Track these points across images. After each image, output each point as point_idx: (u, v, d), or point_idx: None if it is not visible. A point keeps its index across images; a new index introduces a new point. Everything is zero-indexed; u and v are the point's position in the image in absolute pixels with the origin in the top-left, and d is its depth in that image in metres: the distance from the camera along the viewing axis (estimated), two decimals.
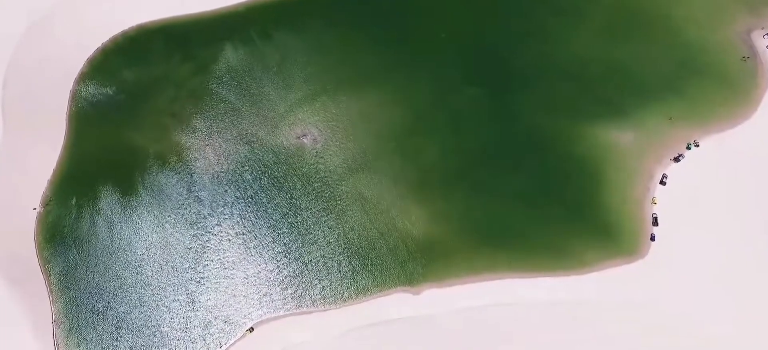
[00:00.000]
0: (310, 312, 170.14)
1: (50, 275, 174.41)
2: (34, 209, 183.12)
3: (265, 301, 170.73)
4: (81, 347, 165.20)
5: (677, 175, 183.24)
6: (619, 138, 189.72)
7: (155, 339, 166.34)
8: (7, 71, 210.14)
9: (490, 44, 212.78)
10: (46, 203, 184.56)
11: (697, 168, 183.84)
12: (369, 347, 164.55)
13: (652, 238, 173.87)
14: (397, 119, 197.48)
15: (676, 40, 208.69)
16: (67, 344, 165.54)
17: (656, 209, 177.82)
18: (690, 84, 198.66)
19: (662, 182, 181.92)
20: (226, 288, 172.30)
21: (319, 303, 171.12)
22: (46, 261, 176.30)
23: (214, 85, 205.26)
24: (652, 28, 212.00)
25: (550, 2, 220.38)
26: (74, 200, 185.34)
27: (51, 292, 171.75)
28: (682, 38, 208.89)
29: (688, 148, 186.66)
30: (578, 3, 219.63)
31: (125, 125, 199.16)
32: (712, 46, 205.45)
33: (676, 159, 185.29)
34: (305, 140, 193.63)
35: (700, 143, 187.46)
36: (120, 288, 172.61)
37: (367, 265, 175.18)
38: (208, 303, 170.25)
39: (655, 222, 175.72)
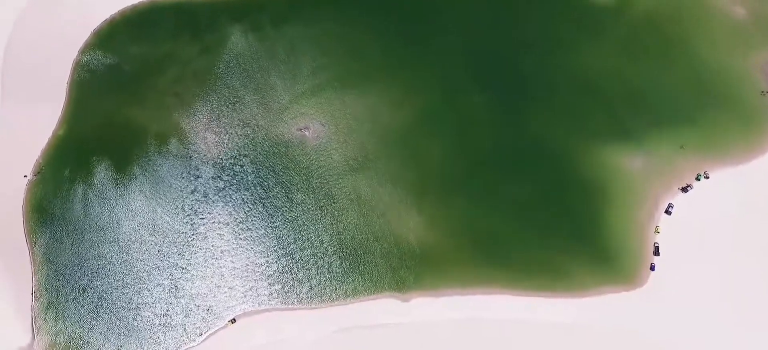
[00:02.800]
0: (296, 309, 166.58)
1: (35, 245, 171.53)
2: (25, 176, 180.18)
3: (251, 294, 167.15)
4: (58, 322, 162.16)
5: (684, 206, 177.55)
6: (627, 161, 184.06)
7: (135, 323, 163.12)
8: (12, 34, 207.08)
9: (504, 51, 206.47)
10: (38, 171, 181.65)
11: (704, 201, 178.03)
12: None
13: (652, 268, 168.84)
14: (402, 119, 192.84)
15: (695, 67, 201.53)
16: (44, 317, 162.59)
17: (659, 239, 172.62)
18: (705, 113, 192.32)
19: (667, 212, 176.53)
20: (212, 277, 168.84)
21: (305, 301, 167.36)
22: (31, 231, 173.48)
23: (220, 69, 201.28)
24: (673, 51, 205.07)
25: (571, 15, 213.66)
26: (67, 171, 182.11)
27: (33, 263, 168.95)
28: (701, 65, 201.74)
29: (698, 179, 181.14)
30: (600, 18, 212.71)
31: (126, 100, 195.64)
32: (731, 77, 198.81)
33: (684, 189, 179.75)
34: (307, 133, 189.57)
35: (711, 175, 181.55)
36: (104, 266, 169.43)
37: (359, 268, 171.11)
38: (192, 291, 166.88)
39: (656, 252, 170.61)
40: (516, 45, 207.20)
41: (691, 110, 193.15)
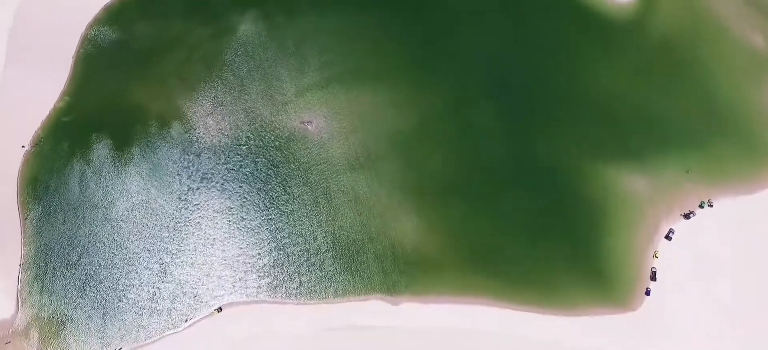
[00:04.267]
0: (283, 304, 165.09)
1: (27, 216, 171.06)
2: (23, 146, 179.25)
3: (240, 285, 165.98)
4: (44, 296, 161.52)
5: (685, 232, 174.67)
6: (631, 182, 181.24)
7: (120, 304, 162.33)
8: (21, 3, 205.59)
9: (516, 61, 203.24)
10: (36, 143, 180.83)
11: (706, 229, 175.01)
12: (336, 349, 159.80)
13: (647, 293, 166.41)
14: (407, 121, 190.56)
15: (708, 92, 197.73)
16: (30, 290, 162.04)
17: (656, 264, 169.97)
18: (714, 141, 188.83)
19: (668, 237, 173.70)
20: (202, 265, 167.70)
21: (294, 296, 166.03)
22: (24, 202, 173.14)
23: (228, 56, 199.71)
24: (687, 75, 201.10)
25: (588, 32, 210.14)
26: (66, 145, 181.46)
27: (24, 234, 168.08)
28: (715, 91, 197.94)
29: (701, 206, 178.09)
30: (617, 37, 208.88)
31: (131, 78, 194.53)
32: (744, 106, 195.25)
33: (687, 216, 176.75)
34: (310, 127, 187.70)
35: (715, 204, 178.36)
36: (94, 244, 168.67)
37: (351, 267, 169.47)
38: (181, 277, 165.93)
39: (653, 277, 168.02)
40: (528, 56, 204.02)
41: (700, 135, 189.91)
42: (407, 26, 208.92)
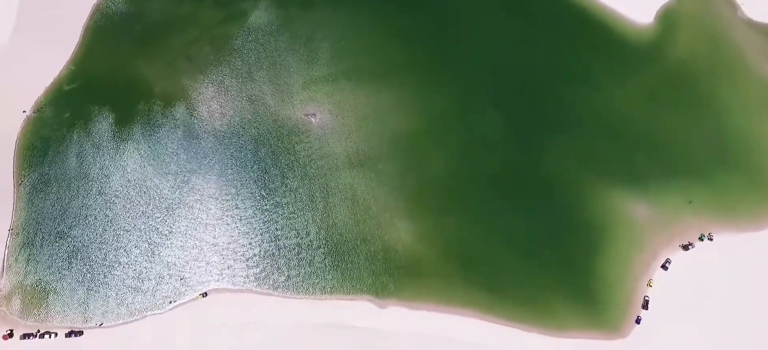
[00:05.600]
0: (270, 295, 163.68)
1: (21, 182, 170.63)
2: (24, 112, 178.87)
3: (228, 273, 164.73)
4: (30, 263, 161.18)
5: (682, 263, 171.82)
6: (633, 207, 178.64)
7: (105, 279, 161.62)
8: None
9: (528, 74, 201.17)
10: (38, 109, 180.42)
11: (704, 263, 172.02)
12: (317, 346, 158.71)
13: (638, 321, 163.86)
14: (411, 123, 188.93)
15: (720, 126, 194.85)
16: (17, 257, 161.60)
17: (650, 292, 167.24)
18: (721, 174, 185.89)
19: (664, 267, 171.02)
20: (191, 248, 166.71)
21: (281, 289, 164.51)
22: (21, 167, 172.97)
23: (238, 40, 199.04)
24: (700, 106, 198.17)
25: (606, 52, 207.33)
26: (67, 115, 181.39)
27: (16, 199, 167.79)
28: (727, 126, 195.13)
29: (701, 239, 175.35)
30: (634, 60, 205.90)
31: (139, 54, 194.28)
32: (755, 143, 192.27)
33: (686, 247, 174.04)
34: (313, 120, 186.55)
35: (715, 238, 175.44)
36: (85, 217, 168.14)
37: (341, 266, 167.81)
38: (169, 259, 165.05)
39: (645, 305, 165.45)
40: (539, 68, 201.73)
41: (707, 166, 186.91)
42: (420, 29, 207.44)
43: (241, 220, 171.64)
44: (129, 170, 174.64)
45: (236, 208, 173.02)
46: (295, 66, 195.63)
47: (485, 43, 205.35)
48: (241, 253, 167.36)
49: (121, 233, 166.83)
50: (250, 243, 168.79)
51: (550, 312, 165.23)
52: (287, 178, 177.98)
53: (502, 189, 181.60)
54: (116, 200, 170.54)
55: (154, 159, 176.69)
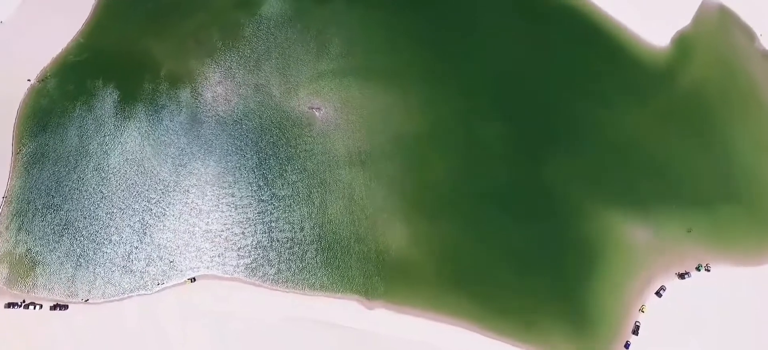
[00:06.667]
0: (258, 287, 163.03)
1: (20, 151, 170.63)
2: (29, 80, 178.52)
3: (218, 260, 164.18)
4: (21, 232, 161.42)
5: (676, 292, 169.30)
6: (632, 230, 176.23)
7: (95, 256, 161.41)
8: None
9: (537, 87, 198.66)
10: (43, 79, 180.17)
11: (699, 293, 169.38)
12: (300, 341, 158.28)
13: (627, 346, 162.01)
14: (416, 127, 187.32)
15: (727, 157, 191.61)
16: (8, 225, 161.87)
17: (642, 318, 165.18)
18: (723, 205, 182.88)
19: (658, 293, 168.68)
20: (184, 233, 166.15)
21: (270, 281, 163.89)
22: (20, 136, 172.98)
23: (248, 28, 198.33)
24: (709, 135, 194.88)
25: (620, 72, 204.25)
26: (71, 87, 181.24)
27: (13, 167, 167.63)
28: (734, 157, 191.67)
29: (698, 269, 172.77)
30: (647, 83, 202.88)
31: (148, 32, 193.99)
32: (760, 178, 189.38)
33: (682, 276, 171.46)
34: (318, 114, 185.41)
35: (712, 269, 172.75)
36: (80, 191, 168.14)
37: (332, 264, 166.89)
38: (160, 241, 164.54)
39: (636, 331, 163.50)
40: (549, 83, 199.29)
41: (710, 197, 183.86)
42: (433, 34, 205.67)
43: (236, 208, 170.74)
44: (128, 149, 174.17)
45: (232, 196, 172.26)
46: (304, 58, 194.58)
47: (497, 53, 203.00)
48: (233, 242, 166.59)
49: (115, 211, 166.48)
50: (243, 233, 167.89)
51: (539, 329, 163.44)
52: (286, 170, 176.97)
53: (502, 200, 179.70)
54: (112, 178, 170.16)
55: (154, 140, 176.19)
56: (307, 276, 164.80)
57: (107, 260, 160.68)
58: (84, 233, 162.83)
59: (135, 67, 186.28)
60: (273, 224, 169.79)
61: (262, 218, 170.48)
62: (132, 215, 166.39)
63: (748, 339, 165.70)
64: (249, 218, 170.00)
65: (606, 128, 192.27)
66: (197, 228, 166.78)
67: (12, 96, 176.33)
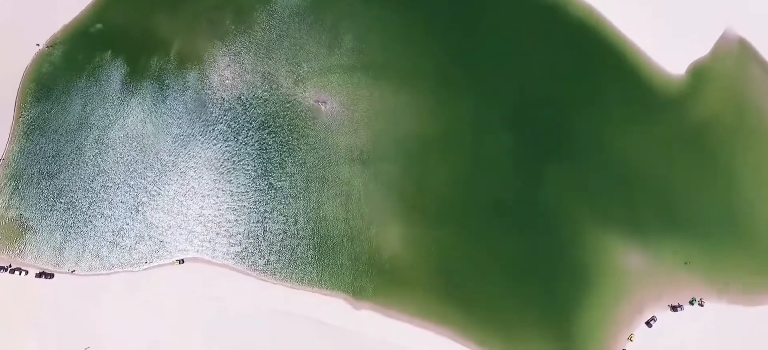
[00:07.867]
0: (246, 275, 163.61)
1: (21, 115, 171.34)
2: (37, 45, 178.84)
3: (208, 245, 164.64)
4: (14, 197, 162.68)
5: (667, 324, 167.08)
6: (628, 256, 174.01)
7: (85, 228, 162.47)
8: None
9: (547, 103, 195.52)
10: (52, 45, 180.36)
11: (690, 328, 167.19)
12: (282, 334, 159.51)
13: None
14: (422, 131, 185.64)
15: (732, 193, 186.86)
16: (2, 187, 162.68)
17: (629, 347, 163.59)
18: (723, 242, 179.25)
19: (649, 323, 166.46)
20: (177, 214, 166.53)
21: (259, 271, 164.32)
22: (23, 100, 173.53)
23: (262, 14, 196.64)
24: (716, 168, 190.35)
25: (631, 95, 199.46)
26: (80, 56, 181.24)
27: (13, 131, 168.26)
28: (739, 194, 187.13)
29: (691, 303, 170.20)
30: (657, 109, 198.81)
31: (162, 8, 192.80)
32: (763, 218, 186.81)
33: (674, 308, 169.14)
34: (323, 107, 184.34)
35: (706, 304, 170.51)
36: (77, 162, 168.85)
37: (323, 261, 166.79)
38: (152, 220, 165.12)
39: None
40: (560, 100, 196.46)
41: (710, 231, 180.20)
42: (449, 39, 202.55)
43: (231, 195, 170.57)
44: (129, 124, 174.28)
45: (229, 182, 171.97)
46: (315, 50, 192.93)
47: (512, 64, 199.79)
48: (225, 228, 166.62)
49: (110, 185, 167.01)
50: (236, 220, 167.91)
51: (524, 345, 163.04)
52: (286, 162, 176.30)
53: (499, 212, 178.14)
54: (111, 152, 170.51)
55: (156, 117, 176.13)
56: (297, 270, 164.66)
57: (97, 234, 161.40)
58: (77, 204, 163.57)
59: (145, 42, 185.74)
60: (267, 215, 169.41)
61: (257, 208, 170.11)
62: (126, 192, 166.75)
63: None
64: (244, 206, 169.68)
65: (612, 149, 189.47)
66: (191, 211, 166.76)
67: (20, 59, 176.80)
